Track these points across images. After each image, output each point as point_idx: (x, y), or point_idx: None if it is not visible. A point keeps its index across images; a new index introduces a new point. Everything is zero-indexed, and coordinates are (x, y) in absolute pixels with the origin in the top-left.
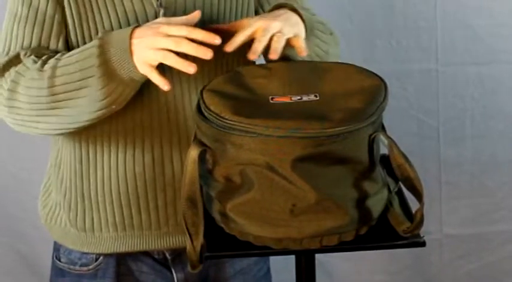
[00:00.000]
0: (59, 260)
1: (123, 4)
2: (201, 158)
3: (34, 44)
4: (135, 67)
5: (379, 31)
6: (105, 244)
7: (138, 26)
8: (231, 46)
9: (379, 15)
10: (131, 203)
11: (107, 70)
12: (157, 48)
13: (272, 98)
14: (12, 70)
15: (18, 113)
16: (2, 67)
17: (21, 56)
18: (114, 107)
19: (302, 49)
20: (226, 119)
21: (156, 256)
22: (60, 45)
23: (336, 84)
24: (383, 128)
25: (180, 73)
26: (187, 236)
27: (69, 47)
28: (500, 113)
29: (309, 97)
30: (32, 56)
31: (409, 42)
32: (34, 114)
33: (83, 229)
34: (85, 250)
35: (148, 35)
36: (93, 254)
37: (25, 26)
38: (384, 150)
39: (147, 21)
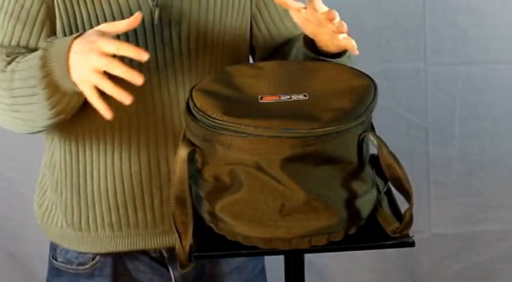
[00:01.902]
0: (56, 260)
1: (118, 2)
2: (191, 157)
3: (14, 41)
4: (74, 83)
5: (368, 31)
6: (101, 244)
7: (79, 35)
8: (355, 50)
9: (368, 15)
10: (127, 202)
11: (50, 82)
12: (91, 68)
13: (261, 98)
14: None
15: None
16: None
17: None
18: (62, 116)
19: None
20: (216, 119)
21: (153, 254)
22: (41, 44)
23: (325, 84)
24: (372, 128)
25: (175, 71)
26: (177, 235)
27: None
28: (489, 112)
29: (298, 96)
30: (4, 55)
31: (397, 42)
32: (2, 113)
33: (79, 229)
34: (82, 250)
35: (83, 52)
36: (90, 253)
37: (9, 21)
38: (373, 150)
39: (143, 20)
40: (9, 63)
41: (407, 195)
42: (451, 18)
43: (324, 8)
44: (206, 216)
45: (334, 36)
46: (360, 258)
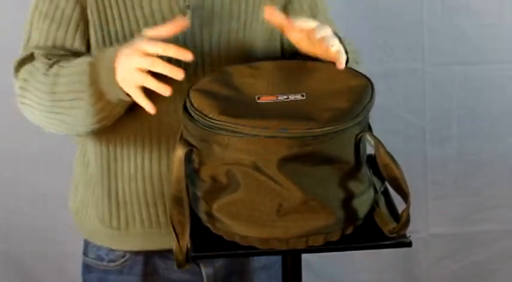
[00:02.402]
0: (87, 256)
1: (150, 4)
2: (188, 158)
3: (49, 41)
4: (121, 89)
5: (366, 31)
6: (132, 241)
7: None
8: (340, 65)
9: (366, 15)
10: (157, 202)
11: (97, 90)
12: (135, 68)
13: (258, 98)
14: (25, 68)
15: (28, 110)
16: (17, 64)
17: (35, 55)
18: (105, 122)
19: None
20: (213, 119)
21: None
22: (77, 44)
23: (322, 84)
24: (369, 128)
25: (205, 74)
26: (174, 235)
27: (90, 47)
28: (487, 112)
29: (296, 96)
30: (43, 57)
31: (395, 42)
32: (40, 114)
33: (110, 226)
34: (113, 247)
35: (127, 54)
36: (121, 251)
37: (43, 21)
38: (370, 150)
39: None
40: (50, 66)
41: (405, 196)
42: (449, 18)
43: (311, 24)
44: (203, 217)
45: (328, 50)
46: (357, 258)
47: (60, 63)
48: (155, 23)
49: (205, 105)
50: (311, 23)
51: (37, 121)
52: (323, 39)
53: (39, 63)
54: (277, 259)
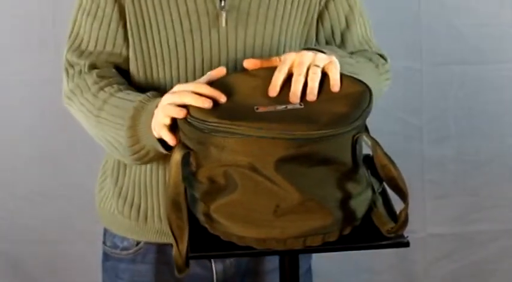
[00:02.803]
0: (105, 244)
1: (186, 4)
2: (185, 161)
3: (92, 42)
4: (153, 138)
5: None
6: (147, 234)
7: None
8: (274, 91)
9: None
10: None
11: (134, 133)
12: (163, 105)
13: (257, 108)
14: (75, 80)
15: (74, 114)
16: (68, 64)
17: (85, 68)
18: (139, 162)
19: (335, 82)
20: (209, 122)
21: None
22: (118, 46)
23: (321, 92)
24: (366, 129)
25: None
26: (173, 239)
27: (129, 46)
28: (484, 112)
29: (294, 106)
30: (95, 74)
31: (392, 41)
32: (83, 123)
33: (128, 217)
34: (129, 236)
35: (163, 99)
36: (136, 240)
37: (86, 19)
38: (367, 150)
39: (209, 24)
40: (101, 89)
41: (403, 195)
42: (447, 18)
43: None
44: (201, 217)
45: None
46: (355, 259)
47: (111, 90)
48: (189, 23)
49: (203, 113)
50: (285, 63)
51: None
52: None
53: (90, 81)
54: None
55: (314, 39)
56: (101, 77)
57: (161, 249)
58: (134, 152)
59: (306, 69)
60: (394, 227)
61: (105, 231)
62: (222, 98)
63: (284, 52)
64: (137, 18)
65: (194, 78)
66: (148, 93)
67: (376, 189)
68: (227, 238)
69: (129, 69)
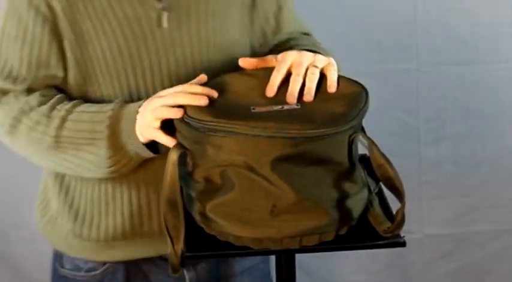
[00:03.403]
0: (63, 267)
1: (123, 10)
2: (181, 160)
3: (25, 64)
4: (139, 143)
5: (360, 31)
6: (113, 253)
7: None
8: (271, 91)
9: (360, 15)
10: (142, 210)
11: (115, 142)
12: (154, 108)
13: (253, 108)
14: (14, 106)
15: (16, 145)
16: (1, 92)
17: (24, 93)
18: (114, 174)
19: (332, 83)
20: (206, 121)
21: (165, 257)
22: (52, 67)
23: (317, 92)
24: (362, 129)
25: (188, 75)
26: (169, 239)
27: (66, 63)
28: (481, 113)
29: (291, 106)
30: (37, 95)
31: (389, 42)
32: (31, 152)
33: (88, 238)
34: (92, 258)
35: (147, 103)
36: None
37: (15, 44)
38: (364, 150)
39: (151, 26)
40: (53, 108)
41: (400, 195)
42: (443, 18)
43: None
44: (197, 217)
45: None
46: (352, 259)
47: (66, 107)
48: (131, 28)
49: (199, 112)
50: (283, 62)
51: (23, 154)
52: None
53: (35, 102)
54: (259, 261)
55: (248, 26)
56: (44, 96)
57: (130, 265)
58: (114, 162)
59: (304, 69)
60: (391, 227)
61: (61, 254)
62: (214, 94)
63: (228, 41)
64: (75, 33)
65: (145, 84)
66: (115, 101)
67: (372, 189)
68: (224, 238)
69: (66, 89)
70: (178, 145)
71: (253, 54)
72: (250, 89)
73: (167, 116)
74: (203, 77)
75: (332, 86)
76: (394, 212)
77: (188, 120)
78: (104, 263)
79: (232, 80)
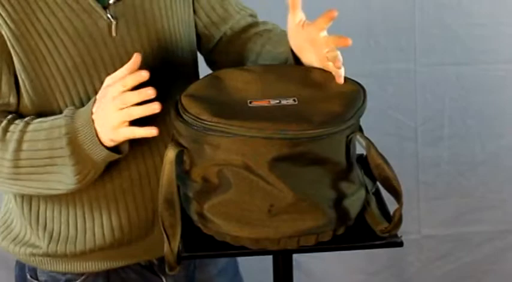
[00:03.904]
0: (37, 279)
1: (73, 25)
2: (179, 159)
3: None
4: (103, 150)
5: (358, 31)
6: (91, 265)
7: (94, 101)
8: (340, 79)
9: (358, 15)
10: (122, 222)
11: (79, 157)
12: (112, 111)
13: (250, 102)
14: None
15: None
16: None
17: None
18: (81, 187)
19: (340, 74)
20: (205, 121)
21: (143, 263)
22: (4, 94)
23: (314, 89)
24: (360, 129)
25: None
26: (165, 237)
27: (19, 85)
28: (478, 113)
29: (287, 101)
30: None
31: (387, 42)
32: None
33: (64, 255)
34: (71, 271)
35: (100, 108)
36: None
37: None
38: (361, 150)
39: (102, 36)
40: (6, 130)
41: (397, 195)
42: (441, 18)
43: (325, 32)
44: (194, 217)
45: (324, 60)
46: (349, 259)
47: (19, 127)
48: (83, 42)
49: (197, 108)
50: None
51: None
52: (328, 46)
53: None
54: (228, 263)
55: (193, 19)
56: None
57: (110, 273)
58: (83, 177)
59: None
60: (388, 227)
61: (32, 267)
62: (144, 73)
63: (177, 38)
64: (26, 54)
65: None
66: (65, 114)
67: (369, 189)
68: (221, 238)
69: (21, 112)
70: (176, 143)
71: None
72: (248, 83)
73: (143, 114)
74: (137, 57)
75: (341, 78)
76: (391, 212)
77: (187, 118)
78: (83, 273)
79: (226, 75)
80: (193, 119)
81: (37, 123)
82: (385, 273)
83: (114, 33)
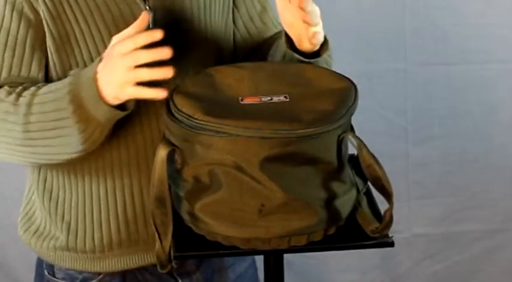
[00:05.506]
0: (54, 276)
1: (110, 11)
2: (170, 158)
3: (6, 69)
4: (108, 104)
5: (348, 31)
6: (109, 263)
7: (100, 61)
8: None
9: (348, 15)
10: (137, 217)
11: (83, 115)
12: (121, 69)
13: (242, 99)
14: None
15: None
16: None
17: None
18: (92, 148)
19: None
20: (196, 119)
21: None
22: (33, 71)
23: (306, 86)
24: (352, 129)
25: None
26: (156, 235)
27: (49, 70)
28: (468, 112)
29: (279, 98)
30: (6, 87)
31: (377, 42)
32: (6, 146)
33: (83, 251)
34: (87, 270)
35: (106, 66)
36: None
37: None
38: (352, 150)
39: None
40: (19, 95)
41: (388, 195)
42: (431, 18)
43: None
44: (186, 217)
45: (307, 28)
46: (340, 259)
47: (30, 92)
48: (118, 29)
49: (189, 107)
50: None
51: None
52: (306, 11)
53: (3, 94)
54: (248, 265)
55: (232, 26)
56: (12, 86)
57: (126, 274)
58: (87, 136)
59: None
60: (379, 227)
61: (49, 264)
62: (159, 33)
63: (215, 44)
64: (60, 37)
65: None
66: (71, 72)
67: (360, 189)
68: (212, 238)
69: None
70: (168, 142)
71: (236, 50)
72: (239, 80)
73: (151, 77)
74: (145, 15)
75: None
76: (382, 212)
77: (178, 116)
78: (100, 273)
79: (217, 72)
80: (185, 117)
81: (46, 87)
82: (376, 272)
83: (150, 25)
